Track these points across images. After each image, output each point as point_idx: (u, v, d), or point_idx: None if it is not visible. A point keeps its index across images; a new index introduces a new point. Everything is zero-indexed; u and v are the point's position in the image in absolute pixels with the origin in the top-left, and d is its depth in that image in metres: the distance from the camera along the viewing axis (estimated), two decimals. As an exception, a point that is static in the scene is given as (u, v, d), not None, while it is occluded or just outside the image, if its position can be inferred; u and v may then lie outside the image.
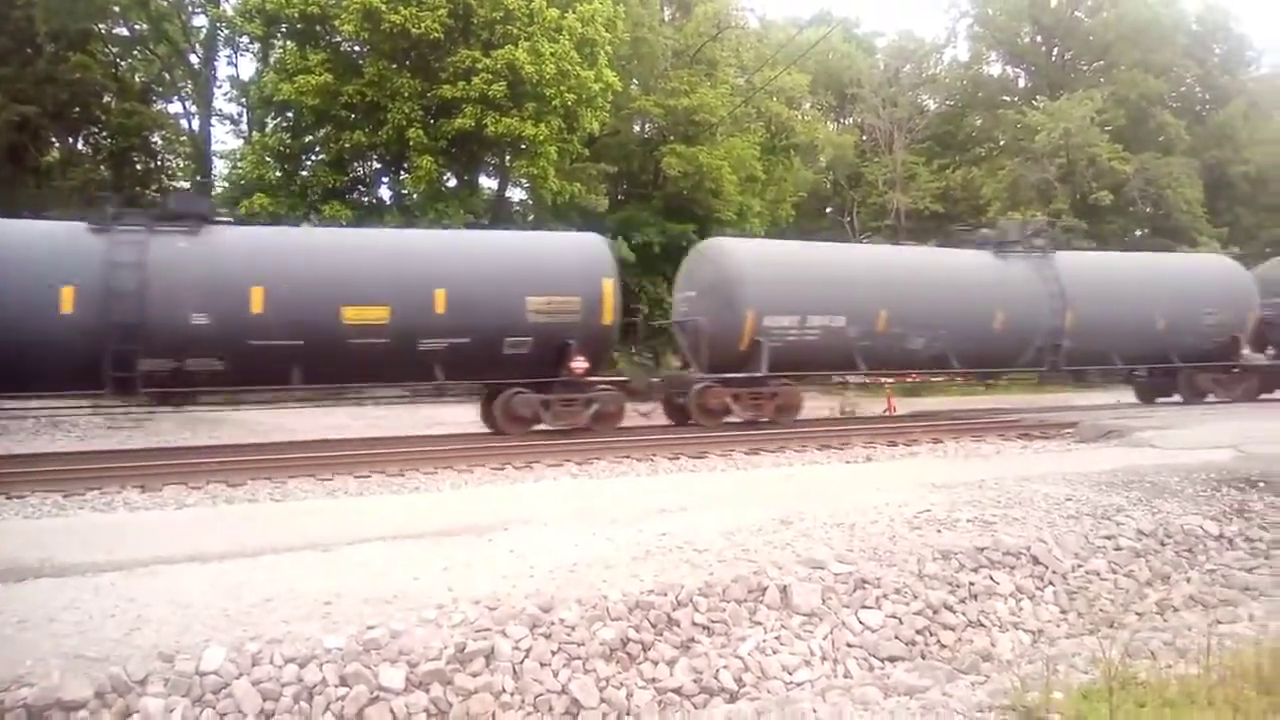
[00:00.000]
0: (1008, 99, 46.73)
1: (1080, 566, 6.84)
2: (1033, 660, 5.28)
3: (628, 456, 12.91)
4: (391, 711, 4.49)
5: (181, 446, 15.50)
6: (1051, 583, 6.60)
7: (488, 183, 31.31)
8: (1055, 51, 46.61)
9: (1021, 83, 48.59)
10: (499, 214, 29.50)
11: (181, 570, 5.92)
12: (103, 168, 30.83)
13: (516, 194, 32.30)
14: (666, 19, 36.08)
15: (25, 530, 7.66)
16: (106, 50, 31.88)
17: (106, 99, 31.74)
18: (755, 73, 35.87)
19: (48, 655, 4.39)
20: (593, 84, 26.78)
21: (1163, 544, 7.39)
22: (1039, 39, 46.62)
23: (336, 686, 4.50)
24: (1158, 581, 6.94)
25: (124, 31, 32.05)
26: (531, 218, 30.40)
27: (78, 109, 31.10)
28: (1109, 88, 40.53)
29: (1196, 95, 46.91)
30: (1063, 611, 6.38)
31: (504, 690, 4.73)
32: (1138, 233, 40.65)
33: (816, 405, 21.85)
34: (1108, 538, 7.27)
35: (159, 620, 4.88)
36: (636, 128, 35.73)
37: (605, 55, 27.86)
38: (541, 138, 25.91)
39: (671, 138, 32.75)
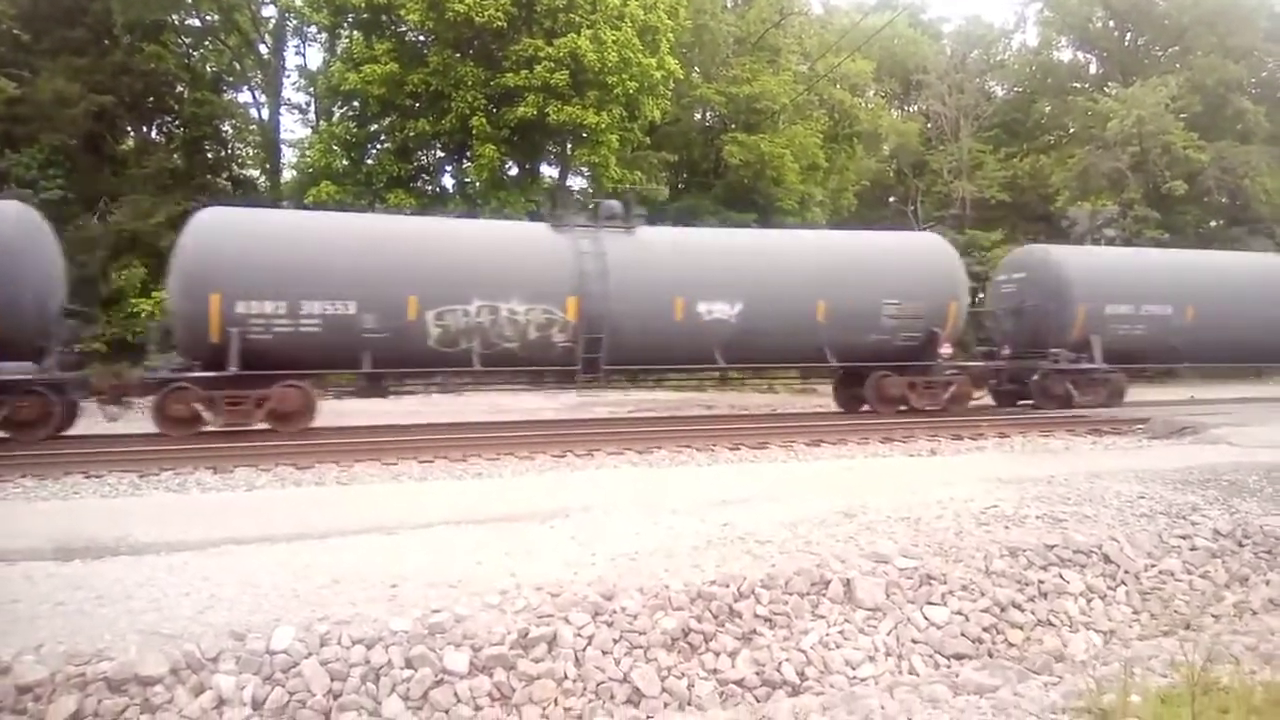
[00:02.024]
0: (1078, 85, 45.49)
1: (1153, 566, 6.64)
2: (1106, 661, 5.14)
3: (688, 446, 12.89)
4: (456, 694, 4.54)
5: (252, 429, 15.82)
6: (1123, 582, 6.41)
7: (549, 171, 31.43)
8: (1128, 36, 45.18)
9: (1093, 69, 47.27)
10: (559, 202, 29.58)
11: (252, 551, 6.06)
12: (176, 156, 31.55)
13: (577, 182, 32.42)
14: (729, 6, 35.78)
15: (104, 509, 7.88)
16: (179, 41, 32.60)
17: (179, 89, 32.48)
18: (818, 60, 35.42)
19: (125, 631, 4.52)
20: (654, 72, 26.72)
21: (1240, 545, 7.13)
22: (1111, 23, 45.20)
23: (402, 668, 4.56)
24: (1235, 583, 6.70)
25: (196, 22, 32.77)
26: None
27: (152, 99, 31.83)
28: (1184, 73, 39.12)
29: (1278, 81, 45.17)
30: (1135, 612, 6.21)
31: (566, 677, 4.76)
32: (1213, 223, 39.36)
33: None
34: (1183, 537, 7.04)
35: (230, 599, 5.00)
36: (698, 116, 35.55)
37: (667, 42, 27.77)
38: (603, 126, 25.95)
39: (733, 126, 32.53)
